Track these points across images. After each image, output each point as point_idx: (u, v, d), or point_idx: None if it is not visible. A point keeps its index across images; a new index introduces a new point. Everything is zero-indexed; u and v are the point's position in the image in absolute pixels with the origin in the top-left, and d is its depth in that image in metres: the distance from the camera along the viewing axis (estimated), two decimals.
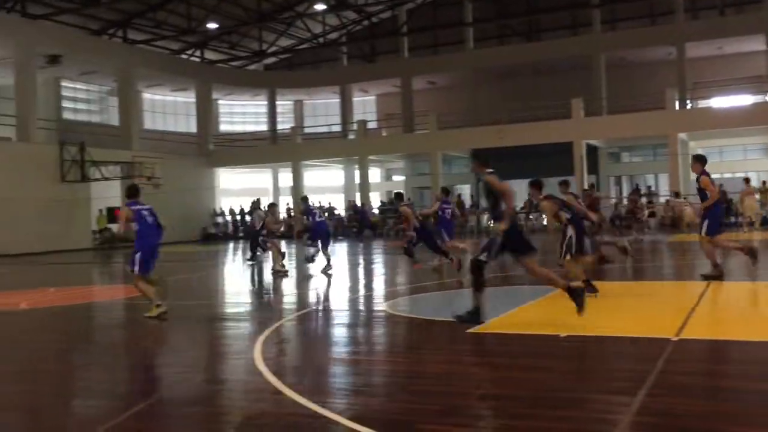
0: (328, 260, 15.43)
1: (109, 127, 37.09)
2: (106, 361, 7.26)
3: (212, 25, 35.52)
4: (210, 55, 40.59)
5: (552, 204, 9.66)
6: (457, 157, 38.01)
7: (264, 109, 44.47)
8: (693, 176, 11.56)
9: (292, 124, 43.19)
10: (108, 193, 32.38)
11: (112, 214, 33.69)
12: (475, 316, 7.48)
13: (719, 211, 11.56)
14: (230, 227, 39.70)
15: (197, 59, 40.11)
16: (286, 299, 11.97)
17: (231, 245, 32.86)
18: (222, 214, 40.26)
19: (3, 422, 5.11)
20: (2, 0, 29.88)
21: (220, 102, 44.80)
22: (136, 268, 9.35)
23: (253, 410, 5.01)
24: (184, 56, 39.86)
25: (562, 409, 4.59)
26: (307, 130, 44.00)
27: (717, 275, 10.75)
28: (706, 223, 10.91)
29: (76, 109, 37.40)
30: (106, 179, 30.98)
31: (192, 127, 41.69)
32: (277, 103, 43.73)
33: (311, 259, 15.92)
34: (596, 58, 35.13)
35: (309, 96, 45.54)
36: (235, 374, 6.18)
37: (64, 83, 36.28)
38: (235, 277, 17.06)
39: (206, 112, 40.65)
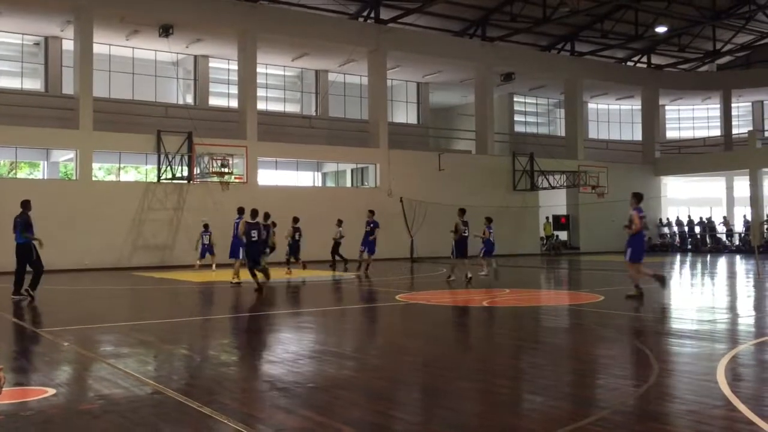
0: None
1: (555, 137, 38.64)
2: (557, 363, 7.54)
3: (661, 29, 34.31)
4: (657, 59, 39.29)
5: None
6: None
7: (716, 113, 41.30)
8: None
9: (750, 128, 39.21)
10: (553, 201, 33.70)
11: (557, 221, 35.02)
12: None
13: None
14: (677, 239, 37.80)
15: (643, 65, 39.21)
16: (741, 321, 10.90)
17: (678, 258, 31.29)
18: (668, 224, 38.58)
19: (466, 410, 5.67)
20: (466, 27, 33.38)
21: (667, 107, 43.03)
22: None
23: None
24: (629, 63, 39.35)
25: None
26: None
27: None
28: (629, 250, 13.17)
29: (527, 122, 39.76)
30: (553, 188, 32.28)
31: (637, 135, 40.92)
32: (733, 105, 40.15)
33: None
34: None
35: None
36: (695, 396, 5.82)
37: (515, 98, 38.90)
38: (681, 293, 16.19)
39: (652, 119, 39.47)
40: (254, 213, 15.73)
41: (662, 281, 13.42)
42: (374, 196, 29.01)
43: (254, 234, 15.20)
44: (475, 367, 7.39)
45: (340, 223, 22.93)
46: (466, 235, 17.73)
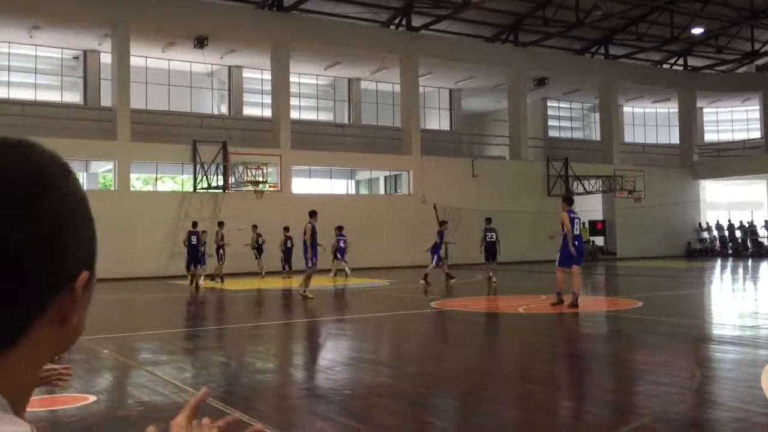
0: None
1: (590, 142, 38.22)
2: (596, 370, 7.43)
3: (697, 30, 33.76)
4: (693, 61, 38.66)
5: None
6: None
7: (756, 115, 40.46)
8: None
9: None
10: (589, 206, 33.27)
11: (594, 226, 34.61)
12: None
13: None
14: (717, 243, 37.07)
15: (680, 68, 38.62)
16: None
17: (718, 262, 30.68)
18: (708, 228, 37.86)
19: (503, 416, 5.61)
20: (498, 32, 33.23)
21: (704, 110, 42.28)
22: None
23: None
24: (665, 66, 38.80)
25: None
26: None
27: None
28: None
29: (561, 127, 39.39)
30: (588, 193, 31.92)
31: (674, 138, 40.26)
32: None
33: None
34: None
35: None
36: (739, 403, 5.69)
37: (549, 103, 38.57)
38: (723, 297, 15.86)
39: (689, 122, 38.80)
40: (194, 224, 21.19)
41: (575, 304, 12.59)
42: (408, 203, 28.99)
43: (193, 239, 20.17)
44: (512, 373, 7.32)
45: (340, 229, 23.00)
46: (492, 240, 20.39)
